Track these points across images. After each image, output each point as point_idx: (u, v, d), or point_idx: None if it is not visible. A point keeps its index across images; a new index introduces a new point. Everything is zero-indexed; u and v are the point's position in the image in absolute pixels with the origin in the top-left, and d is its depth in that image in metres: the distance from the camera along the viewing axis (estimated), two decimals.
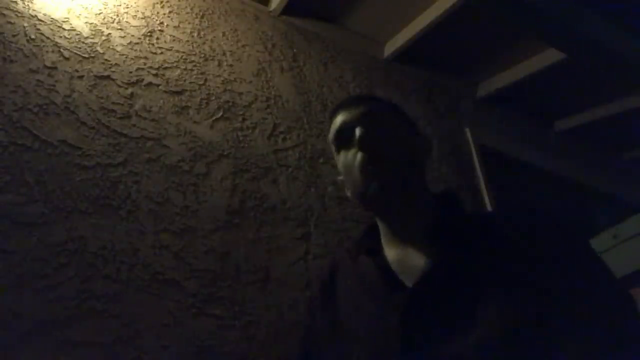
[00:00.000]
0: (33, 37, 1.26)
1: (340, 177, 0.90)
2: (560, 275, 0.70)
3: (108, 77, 1.33)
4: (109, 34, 1.39)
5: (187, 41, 1.54)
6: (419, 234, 0.80)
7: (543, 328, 0.66)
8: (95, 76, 1.31)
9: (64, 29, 1.32)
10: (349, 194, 0.88)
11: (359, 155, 0.80)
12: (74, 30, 1.34)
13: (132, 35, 1.44)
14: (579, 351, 0.64)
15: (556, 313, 0.67)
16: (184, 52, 1.51)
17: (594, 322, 0.66)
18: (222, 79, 1.55)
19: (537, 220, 0.77)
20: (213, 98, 1.49)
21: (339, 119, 0.86)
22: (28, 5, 1.30)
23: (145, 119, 1.33)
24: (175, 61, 1.48)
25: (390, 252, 0.83)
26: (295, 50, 1.81)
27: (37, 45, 1.26)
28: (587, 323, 0.66)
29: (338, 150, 0.87)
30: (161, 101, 1.39)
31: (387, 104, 0.91)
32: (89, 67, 1.31)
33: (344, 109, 0.87)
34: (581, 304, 0.68)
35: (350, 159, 0.83)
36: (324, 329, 0.86)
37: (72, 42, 1.32)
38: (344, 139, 0.84)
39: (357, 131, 0.80)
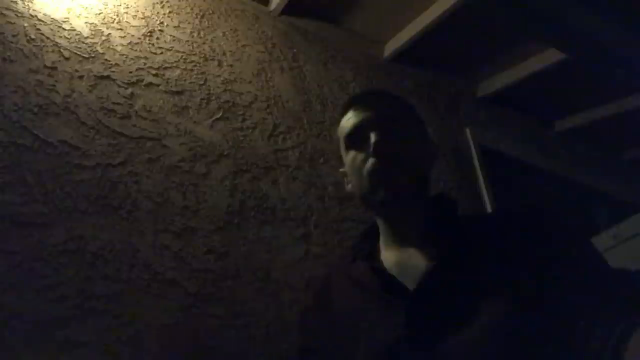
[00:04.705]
0: (33, 37, 1.26)
1: (343, 170, 0.89)
2: (560, 269, 0.70)
3: (108, 77, 1.33)
4: (109, 34, 1.39)
5: (187, 41, 1.54)
6: (417, 236, 0.80)
7: (544, 322, 0.66)
8: (95, 76, 1.31)
9: (64, 29, 1.32)
10: (349, 188, 0.88)
11: (371, 161, 0.80)
12: (74, 30, 1.34)
13: (132, 35, 1.44)
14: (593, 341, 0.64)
15: (558, 306, 0.67)
16: (184, 52, 1.51)
17: (603, 315, 0.66)
18: (222, 79, 1.55)
19: (533, 217, 0.77)
20: (213, 98, 1.49)
21: (354, 118, 0.84)
22: (28, 5, 1.30)
23: (145, 119, 1.33)
24: (175, 61, 1.48)
25: (390, 255, 0.83)
26: (295, 50, 1.81)
27: (37, 45, 1.26)
28: (594, 316, 0.66)
29: (348, 148, 0.86)
30: (161, 101, 1.39)
31: (402, 104, 0.89)
32: (89, 67, 1.31)
33: (359, 106, 0.85)
34: (585, 298, 0.68)
35: (360, 161, 0.82)
36: (321, 340, 0.85)
37: (72, 42, 1.32)
38: (356, 138, 0.83)
39: (373, 137, 0.79)
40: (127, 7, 1.47)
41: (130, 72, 1.37)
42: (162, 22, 1.52)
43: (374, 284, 0.79)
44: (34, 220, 1.07)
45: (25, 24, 1.27)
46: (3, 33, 1.22)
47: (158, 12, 1.53)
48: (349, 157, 0.85)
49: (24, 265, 1.02)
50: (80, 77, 1.29)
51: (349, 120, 0.86)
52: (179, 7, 1.59)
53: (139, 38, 1.45)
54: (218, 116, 1.47)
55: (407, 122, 0.85)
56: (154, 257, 1.17)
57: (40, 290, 1.01)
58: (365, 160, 0.81)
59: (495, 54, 2.22)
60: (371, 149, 0.79)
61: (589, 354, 0.64)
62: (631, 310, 0.63)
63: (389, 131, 0.80)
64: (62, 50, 1.29)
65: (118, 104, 1.31)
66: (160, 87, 1.41)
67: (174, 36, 1.52)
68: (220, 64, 1.57)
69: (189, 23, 1.58)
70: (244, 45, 1.67)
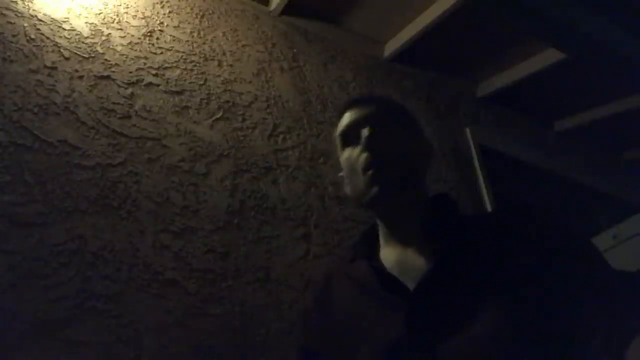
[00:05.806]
0: (33, 37, 1.26)
1: (341, 174, 0.90)
2: (560, 269, 0.70)
3: (108, 77, 1.33)
4: (109, 34, 1.39)
5: (187, 41, 1.54)
6: (417, 235, 0.80)
7: (545, 322, 0.66)
8: (95, 76, 1.31)
9: (64, 29, 1.32)
10: (347, 191, 0.88)
11: (363, 156, 0.81)
12: (74, 30, 1.34)
13: (132, 35, 1.44)
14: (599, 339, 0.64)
15: (559, 303, 0.67)
16: (184, 52, 1.51)
17: (604, 316, 0.66)
18: (222, 79, 1.55)
19: (533, 217, 0.78)
20: (213, 98, 1.49)
21: (348, 116, 0.86)
22: (28, 5, 1.30)
23: (145, 119, 1.33)
24: (175, 61, 1.48)
25: (390, 254, 0.83)
26: (295, 50, 1.81)
27: (37, 45, 1.26)
28: (595, 317, 0.66)
29: (343, 147, 0.87)
30: (161, 101, 1.39)
31: (396, 105, 0.91)
32: (89, 67, 1.31)
33: (354, 107, 0.87)
34: (586, 298, 0.68)
35: (354, 157, 0.83)
36: (322, 340, 0.86)
37: (72, 42, 1.32)
38: (350, 136, 0.85)
39: (365, 131, 0.81)
40: (127, 7, 1.47)
41: (130, 72, 1.37)
42: (162, 22, 1.52)
43: (374, 283, 0.79)
44: (34, 220, 1.07)
45: (25, 24, 1.27)
46: (3, 33, 1.22)
47: (158, 12, 1.53)
48: (344, 155, 0.86)
49: (24, 265, 1.02)
50: (80, 77, 1.29)
51: (343, 120, 0.88)
52: (179, 7, 1.59)
53: (139, 38, 1.45)
54: (218, 116, 1.47)
55: (400, 121, 0.86)
56: (154, 257, 1.17)
57: (40, 290, 1.01)
58: (359, 156, 0.82)
59: (495, 54, 2.22)
60: (363, 143, 0.80)
61: (589, 355, 0.64)
62: (632, 312, 0.63)
63: (380, 127, 0.82)
64: (62, 50, 1.29)
65: (118, 104, 1.31)
66: (160, 87, 1.41)
67: (174, 36, 1.52)
68: (220, 64, 1.57)
69: (189, 23, 1.58)
70: (244, 45, 1.67)
